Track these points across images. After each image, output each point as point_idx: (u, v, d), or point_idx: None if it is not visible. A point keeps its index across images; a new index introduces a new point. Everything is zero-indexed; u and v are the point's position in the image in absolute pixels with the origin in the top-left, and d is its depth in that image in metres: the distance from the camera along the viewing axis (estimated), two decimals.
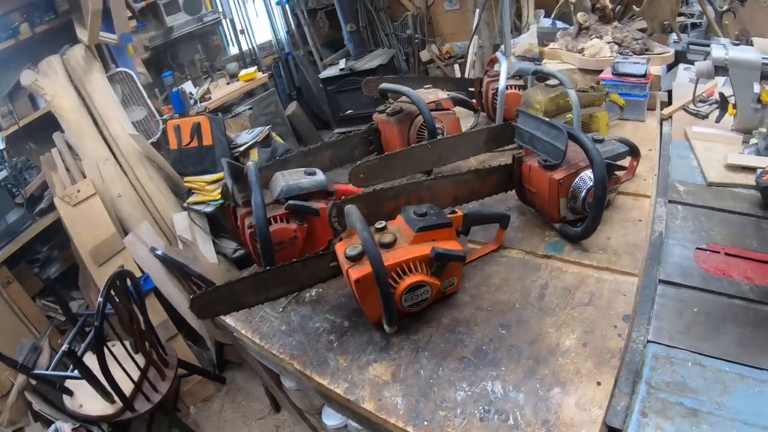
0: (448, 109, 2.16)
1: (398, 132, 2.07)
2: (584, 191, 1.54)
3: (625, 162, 1.79)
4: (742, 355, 1.22)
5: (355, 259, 1.28)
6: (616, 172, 1.66)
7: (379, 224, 1.38)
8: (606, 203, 1.69)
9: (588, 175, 1.54)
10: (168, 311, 3.86)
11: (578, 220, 1.63)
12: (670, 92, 2.82)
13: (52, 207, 4.09)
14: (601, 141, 1.65)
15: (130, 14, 4.82)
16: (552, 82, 2.08)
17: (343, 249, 1.33)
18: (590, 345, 1.26)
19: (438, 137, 1.97)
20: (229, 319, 1.59)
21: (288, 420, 3.49)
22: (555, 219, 1.64)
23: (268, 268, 1.42)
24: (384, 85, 2.16)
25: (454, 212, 1.44)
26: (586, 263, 1.53)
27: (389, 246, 1.31)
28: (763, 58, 2.06)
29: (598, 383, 1.16)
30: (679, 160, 2.10)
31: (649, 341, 1.30)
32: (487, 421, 1.12)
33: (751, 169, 1.90)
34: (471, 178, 1.65)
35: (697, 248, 1.59)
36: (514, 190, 1.77)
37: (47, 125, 4.36)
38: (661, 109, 2.56)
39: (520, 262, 1.59)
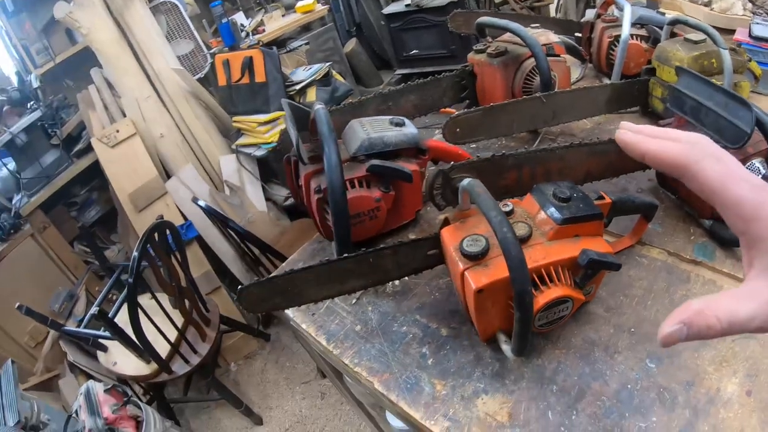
0: (560, 56, 1.75)
1: (502, 78, 1.67)
2: None
3: None
4: None
5: (475, 258, 0.93)
6: None
7: (506, 206, 1.01)
8: None
9: (759, 163, 1.15)
10: (211, 261, 3.63)
11: None
12: None
13: (90, 148, 3.87)
14: None
15: None
16: (695, 36, 1.67)
17: (455, 239, 0.98)
18: (756, 394, 0.91)
19: (554, 90, 1.58)
20: (287, 310, 1.26)
21: (335, 387, 3.25)
22: (705, 215, 1.25)
23: (344, 255, 1.07)
24: (484, 19, 1.76)
25: (601, 198, 1.07)
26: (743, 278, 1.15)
27: (523, 242, 0.95)
28: None
29: None
30: None
31: None
32: None
33: None
34: (611, 149, 1.24)
35: None
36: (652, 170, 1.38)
37: (85, 61, 4.08)
38: None
39: (663, 266, 1.20)
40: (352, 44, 6.26)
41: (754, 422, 0.87)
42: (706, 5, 2.46)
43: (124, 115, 3.95)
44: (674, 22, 1.77)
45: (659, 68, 1.73)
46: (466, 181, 0.93)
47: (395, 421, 1.86)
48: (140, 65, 3.96)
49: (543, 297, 0.92)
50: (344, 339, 1.15)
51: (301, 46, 4.86)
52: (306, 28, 5.51)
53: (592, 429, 0.90)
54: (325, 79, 3.96)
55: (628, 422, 0.90)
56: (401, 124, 1.34)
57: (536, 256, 0.93)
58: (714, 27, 2.37)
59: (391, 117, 1.38)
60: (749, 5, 2.39)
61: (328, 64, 4.07)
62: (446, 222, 1.06)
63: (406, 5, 5.97)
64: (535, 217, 1.00)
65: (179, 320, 2.69)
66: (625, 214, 1.16)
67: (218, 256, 3.66)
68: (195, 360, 2.70)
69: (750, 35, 1.99)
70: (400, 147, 1.30)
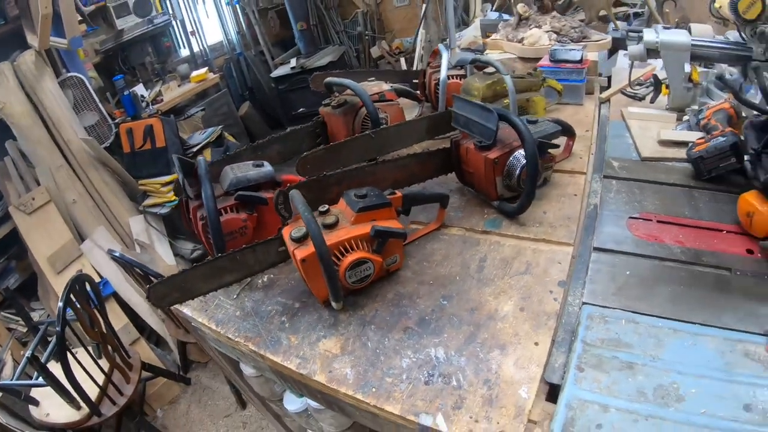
0: (392, 100, 2.25)
1: (343, 123, 2.14)
2: (518, 169, 1.64)
3: (560, 141, 1.89)
4: (675, 312, 1.30)
5: (299, 241, 1.36)
6: (550, 151, 1.78)
7: (322, 208, 1.45)
8: (543, 180, 1.82)
9: (521, 153, 1.64)
10: (128, 315, 3.89)
11: (515, 197, 1.73)
12: (609, 77, 2.95)
13: (6, 217, 4.10)
14: (534, 122, 1.76)
15: (80, 18, 4.76)
16: (489, 69, 2.19)
17: (288, 232, 1.40)
18: (528, 309, 1.36)
19: (381, 127, 2.04)
20: (185, 309, 1.62)
21: (254, 416, 3.56)
22: (492, 197, 1.74)
23: (219, 255, 1.47)
24: (329, 79, 2.24)
25: (393, 193, 1.52)
26: (523, 236, 1.63)
27: (332, 227, 1.39)
28: (692, 40, 2.18)
29: (536, 343, 1.25)
30: (615, 139, 2.22)
31: (584, 303, 1.38)
32: (431, 384, 1.19)
33: (683, 144, 2.00)
34: (411, 162, 1.73)
35: (630, 217, 1.69)
36: (453, 173, 1.86)
37: None
38: (600, 93, 2.68)
39: (460, 238, 1.68)
40: (245, 107, 6.78)
41: (527, 328, 1.30)
42: (519, 42, 3.02)
43: (39, 184, 4.21)
44: (473, 62, 2.28)
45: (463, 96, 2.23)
46: (290, 192, 1.37)
47: (291, 405, 2.24)
48: (51, 136, 4.28)
49: (347, 259, 1.36)
50: (227, 322, 1.53)
51: (197, 112, 5.33)
52: (202, 95, 5.99)
53: (399, 347, 1.31)
54: (219, 141, 4.40)
55: (425, 340, 1.32)
56: (260, 165, 1.76)
57: (340, 235, 1.37)
58: (527, 57, 2.95)
59: (253, 161, 1.79)
60: (554, 36, 2.96)
61: (220, 127, 4.52)
62: (287, 225, 1.49)
63: (292, 68, 6.61)
64: (344, 211, 1.44)
65: (104, 368, 2.91)
66: (420, 203, 1.65)
67: (135, 310, 3.94)
68: (122, 401, 2.92)
69: (551, 59, 2.55)
70: (260, 181, 1.72)
